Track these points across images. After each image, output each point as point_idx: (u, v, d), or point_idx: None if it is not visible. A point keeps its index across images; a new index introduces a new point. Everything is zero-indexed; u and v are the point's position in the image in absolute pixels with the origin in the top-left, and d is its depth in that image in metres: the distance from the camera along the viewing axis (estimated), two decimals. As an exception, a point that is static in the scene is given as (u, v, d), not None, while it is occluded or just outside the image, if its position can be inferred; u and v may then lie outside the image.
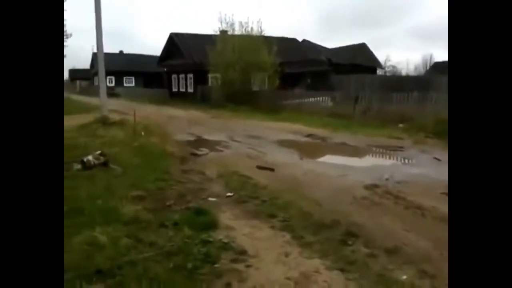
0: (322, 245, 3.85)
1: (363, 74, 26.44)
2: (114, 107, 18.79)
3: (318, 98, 19.21)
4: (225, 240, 3.94)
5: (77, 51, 71.90)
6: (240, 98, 21.79)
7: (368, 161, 8.94)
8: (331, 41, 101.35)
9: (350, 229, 4.20)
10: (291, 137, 12.29)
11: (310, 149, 10.41)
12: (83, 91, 46.94)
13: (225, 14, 32.18)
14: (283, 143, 10.93)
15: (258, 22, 25.59)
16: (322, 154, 9.81)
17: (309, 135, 12.36)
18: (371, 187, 6.09)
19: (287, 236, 4.08)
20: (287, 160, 8.54)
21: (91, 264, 3.25)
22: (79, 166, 6.82)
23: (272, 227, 4.36)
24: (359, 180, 6.47)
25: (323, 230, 4.20)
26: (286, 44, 28.99)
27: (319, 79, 26.58)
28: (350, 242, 3.92)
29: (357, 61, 30.65)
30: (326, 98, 18.89)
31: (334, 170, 7.42)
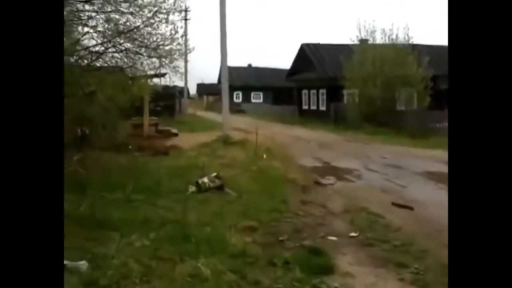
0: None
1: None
2: (238, 125, 20.10)
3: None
4: (341, 289, 3.86)
5: (206, 65, 78.97)
6: (381, 119, 21.26)
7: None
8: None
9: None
10: (441, 168, 11.42)
11: (465, 185, 9.52)
12: (209, 107, 51.10)
13: (365, 21, 31.88)
14: (430, 176, 10.30)
15: (404, 28, 24.65)
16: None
17: (465, 167, 11.34)
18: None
19: (418, 293, 3.82)
20: (433, 197, 8.00)
21: (190, 298, 3.50)
22: (194, 188, 7.44)
23: (401, 280, 4.14)
24: None
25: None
26: (441, 54, 27.35)
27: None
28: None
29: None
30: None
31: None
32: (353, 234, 5.53)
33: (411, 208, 6.96)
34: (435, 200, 7.77)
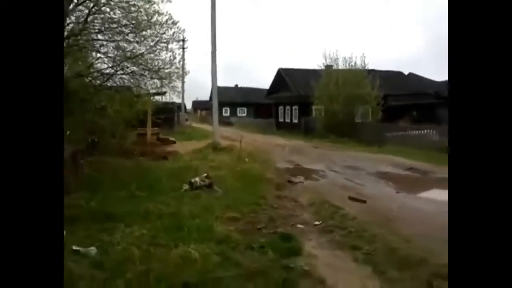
0: (404, 283, 3.55)
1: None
2: (226, 134, 20.01)
3: (423, 131, 17.90)
4: (306, 268, 3.87)
5: (201, 85, 78.76)
6: (342, 130, 21.38)
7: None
8: (446, 74, 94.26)
9: (438, 270, 3.77)
10: (390, 169, 11.59)
11: (409, 183, 9.68)
12: (202, 120, 50.97)
13: (330, 50, 32.34)
14: (381, 176, 10.37)
15: (361, 56, 25.19)
16: (421, 188, 9.03)
17: (409, 169, 11.53)
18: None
19: (369, 270, 3.86)
20: (382, 192, 8.08)
21: (181, 276, 3.46)
22: (187, 187, 7.38)
23: (355, 260, 4.16)
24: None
25: (408, 268, 3.86)
26: (391, 77, 27.86)
27: (426, 112, 24.78)
28: (436, 284, 3.52)
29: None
30: (433, 131, 17.51)
31: (432, 206, 6.77)
32: (317, 222, 5.55)
33: (364, 201, 7.00)
34: (384, 195, 7.87)
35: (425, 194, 8.39)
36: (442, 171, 10.89)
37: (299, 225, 5.42)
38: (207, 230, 4.80)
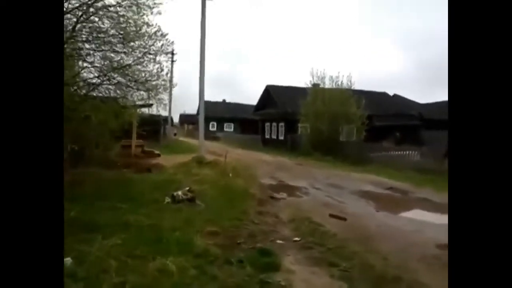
0: (378, 301, 3.59)
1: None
2: (212, 149, 20.04)
3: (406, 152, 18.23)
4: (283, 283, 3.89)
5: (188, 98, 78.81)
6: (327, 148, 21.60)
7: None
8: (430, 96, 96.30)
9: (412, 287, 3.85)
10: (371, 188, 11.74)
11: (389, 202, 9.81)
12: (189, 134, 50.82)
13: (317, 69, 32.89)
14: (362, 194, 10.50)
15: (348, 76, 25.62)
16: (400, 208, 9.17)
17: (390, 188, 11.70)
18: (444, 246, 5.51)
19: (344, 287, 3.88)
20: (362, 211, 8.18)
21: (157, 289, 3.45)
22: (169, 200, 7.35)
23: (331, 276, 4.19)
24: (433, 238, 5.92)
25: (383, 285, 3.92)
26: (376, 98, 28.44)
27: (409, 133, 25.30)
28: (409, 302, 3.59)
29: (450, 116, 28.59)
30: (415, 152, 17.85)
31: (410, 225, 6.90)
32: (296, 238, 5.57)
33: (344, 219, 7.07)
34: (365, 213, 7.96)
35: (403, 214, 8.52)
36: (421, 192, 11.12)
37: (278, 241, 5.43)
38: (186, 244, 4.79)
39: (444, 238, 5.93)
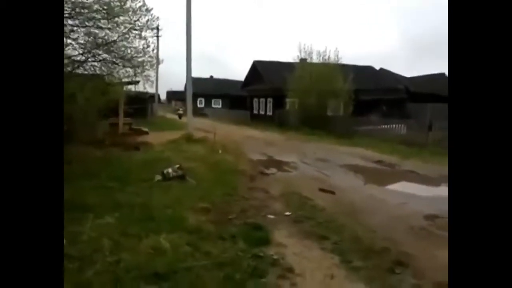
0: (369, 271, 3.68)
1: (441, 104, 24.76)
2: (200, 126, 19.87)
3: (392, 126, 18.42)
4: (275, 257, 3.94)
5: (175, 75, 77.48)
6: (315, 123, 21.68)
7: (435, 191, 8.29)
8: (419, 69, 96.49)
9: (400, 258, 3.95)
10: (359, 162, 11.88)
11: (376, 175, 9.96)
12: (176, 111, 50.31)
13: (304, 44, 32.52)
14: (350, 168, 10.63)
15: (335, 51, 25.47)
16: (388, 181, 9.31)
17: (378, 161, 11.85)
18: (431, 217, 5.66)
19: (336, 259, 3.97)
20: (350, 184, 8.29)
21: (152, 267, 3.46)
22: (159, 177, 7.31)
23: (322, 249, 4.27)
24: (419, 210, 6.05)
25: (372, 257, 4.01)
26: (362, 72, 28.36)
27: (395, 107, 25.47)
28: (398, 271, 3.69)
29: (435, 90, 28.78)
30: (401, 125, 18.05)
31: (397, 198, 7.03)
32: (287, 213, 5.63)
33: (333, 193, 7.16)
34: (353, 186, 8.07)
35: (391, 186, 8.66)
36: (408, 164, 11.30)
37: (270, 216, 5.48)
38: (179, 221, 4.79)
39: (430, 209, 6.08)
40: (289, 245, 4.31)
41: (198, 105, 48.05)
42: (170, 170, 7.59)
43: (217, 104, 52.40)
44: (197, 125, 18.86)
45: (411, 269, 3.75)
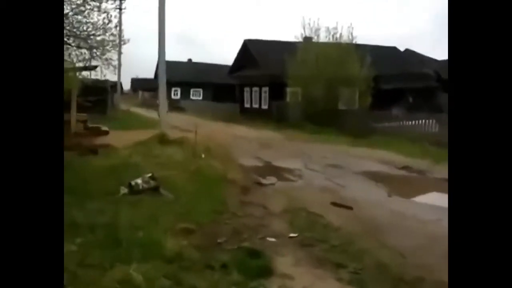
0: (398, 308, 3.70)
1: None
2: (176, 123, 19.88)
3: (421, 121, 18.62)
4: (280, 292, 3.95)
5: (142, 59, 77.28)
6: (323, 118, 21.83)
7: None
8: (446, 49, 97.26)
9: (437, 290, 3.99)
10: (381, 168, 11.99)
11: (403, 184, 10.06)
12: (145, 103, 50.12)
13: (310, 19, 32.58)
14: (369, 176, 10.74)
15: (349, 27, 25.44)
16: (417, 191, 9.39)
17: (404, 167, 11.98)
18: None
19: (356, 293, 3.99)
20: (371, 197, 8.36)
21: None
22: (126, 190, 7.28)
23: (339, 280, 4.30)
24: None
25: (402, 289, 4.04)
26: (383, 54, 28.59)
27: (424, 97, 25.69)
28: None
29: (475, 75, 29.19)
30: (431, 121, 18.23)
31: (430, 213, 7.10)
32: (292, 234, 5.66)
33: (350, 208, 7.22)
34: (374, 200, 8.13)
35: (422, 199, 8.73)
36: (442, 171, 11.38)
37: (270, 238, 5.50)
38: (154, 246, 4.77)
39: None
40: (296, 276, 4.34)
41: (173, 97, 48.03)
42: (139, 180, 7.56)
43: (197, 95, 52.47)
44: (173, 122, 18.86)
45: (452, 304, 3.78)
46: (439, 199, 8.66)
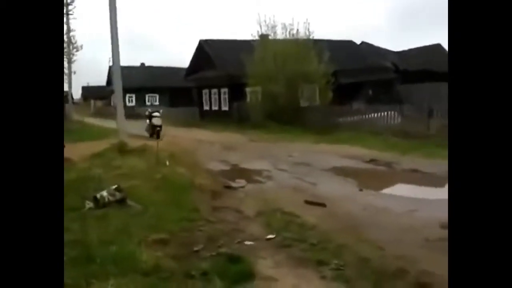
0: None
1: (438, 83, 25.97)
2: (134, 131, 19.54)
3: (383, 114, 19.08)
4: (264, 294, 3.98)
5: (92, 66, 75.62)
6: (285, 116, 22.01)
7: (446, 192, 8.69)
8: (403, 41, 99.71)
9: (421, 279, 4.13)
10: (348, 163, 12.23)
11: (372, 178, 10.31)
12: (98, 113, 49.06)
13: (265, 15, 32.79)
14: (338, 171, 10.94)
15: (305, 23, 25.65)
16: (387, 184, 9.67)
17: (371, 161, 12.26)
18: (450, 225, 5.94)
19: (341, 288, 4.07)
20: (342, 192, 8.52)
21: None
22: (91, 204, 7.12)
23: (323, 277, 4.36)
24: (434, 217, 6.31)
25: (387, 281, 4.16)
26: (341, 49, 29.11)
27: (383, 89, 26.39)
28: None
29: (430, 66, 30.16)
30: (393, 113, 18.73)
31: (402, 205, 7.33)
32: (270, 236, 5.69)
33: (323, 205, 7.33)
34: (345, 195, 8.28)
35: (392, 191, 8.99)
36: (408, 162, 11.74)
37: (247, 242, 5.51)
38: (128, 259, 4.70)
39: (446, 215, 6.36)
40: (280, 278, 4.37)
41: (128, 104, 47.15)
42: (105, 193, 7.40)
43: (153, 100, 51.75)
44: (131, 131, 18.52)
45: (437, 291, 3.92)
46: (410, 190, 8.96)
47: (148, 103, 50.63)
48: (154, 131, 19.25)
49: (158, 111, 21.39)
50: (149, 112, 21.32)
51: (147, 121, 21.01)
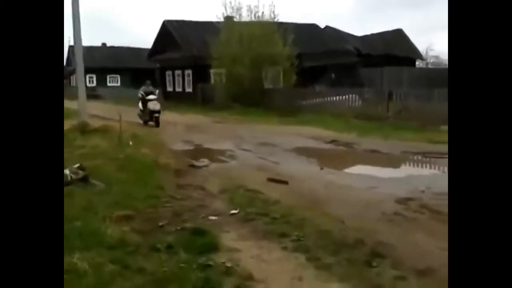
0: (342, 267, 4.02)
1: (398, 67, 26.62)
2: (96, 112, 19.20)
3: (344, 97, 19.45)
4: (228, 264, 4.12)
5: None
6: (249, 98, 22.09)
7: (403, 171, 9.08)
8: (365, 25, 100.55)
9: (376, 249, 4.36)
10: (310, 143, 12.48)
11: (333, 157, 10.60)
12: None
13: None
14: (300, 151, 11.16)
15: (270, 5, 25.83)
16: (347, 163, 9.98)
17: (332, 141, 12.57)
18: (404, 200, 6.26)
19: (301, 258, 4.26)
20: (304, 171, 8.73)
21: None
22: (54, 182, 7.07)
23: (284, 248, 4.54)
24: (390, 193, 6.62)
25: (344, 251, 4.37)
26: (305, 32, 29.32)
27: (345, 73, 26.81)
28: (375, 264, 4.08)
29: (392, 51, 30.84)
30: (354, 96, 19.12)
31: (361, 182, 7.60)
32: (233, 211, 5.82)
33: (286, 183, 7.51)
34: (307, 173, 8.50)
35: (352, 170, 9.29)
36: (368, 142, 12.11)
37: (211, 217, 5.63)
38: (93, 234, 4.74)
39: (401, 192, 6.68)
40: (243, 249, 4.52)
41: (88, 84, 46.02)
42: (67, 171, 7.37)
43: (114, 81, 50.83)
44: (92, 111, 18.20)
45: (389, 260, 4.17)
46: (369, 169, 9.29)
47: (109, 84, 49.71)
48: (152, 117, 17.18)
49: (153, 93, 18.47)
50: (142, 94, 18.34)
51: (140, 105, 18.53)
